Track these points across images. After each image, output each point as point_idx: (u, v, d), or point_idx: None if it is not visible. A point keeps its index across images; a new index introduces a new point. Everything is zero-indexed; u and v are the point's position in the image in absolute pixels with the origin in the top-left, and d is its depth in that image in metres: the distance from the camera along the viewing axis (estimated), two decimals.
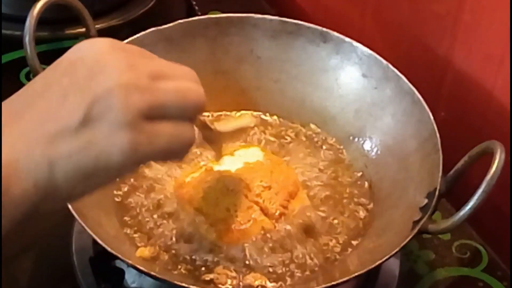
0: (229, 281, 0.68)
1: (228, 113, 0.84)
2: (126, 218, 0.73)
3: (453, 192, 0.71)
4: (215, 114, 0.84)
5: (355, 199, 0.77)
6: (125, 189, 0.75)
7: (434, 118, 0.74)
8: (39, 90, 0.48)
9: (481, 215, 0.67)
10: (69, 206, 0.64)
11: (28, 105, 0.47)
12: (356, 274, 0.64)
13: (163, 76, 0.50)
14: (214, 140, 0.68)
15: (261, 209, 0.73)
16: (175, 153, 0.50)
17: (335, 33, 0.82)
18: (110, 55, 0.48)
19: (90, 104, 0.46)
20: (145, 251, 0.70)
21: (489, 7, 0.78)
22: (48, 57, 0.87)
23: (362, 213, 0.76)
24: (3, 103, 0.48)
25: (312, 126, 0.84)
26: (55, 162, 0.46)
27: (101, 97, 0.46)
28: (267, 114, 0.85)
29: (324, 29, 0.82)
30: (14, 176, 0.45)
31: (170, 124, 0.49)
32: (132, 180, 0.76)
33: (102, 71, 0.47)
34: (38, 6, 0.74)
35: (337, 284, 0.63)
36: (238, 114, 0.84)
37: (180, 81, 0.51)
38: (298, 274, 0.70)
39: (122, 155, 0.47)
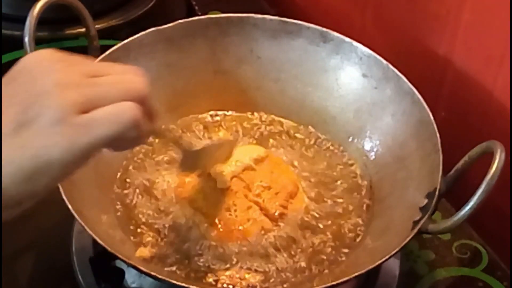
0: (229, 281, 0.68)
1: (228, 113, 0.84)
2: (126, 218, 0.73)
3: (453, 192, 0.71)
4: (216, 113, 0.84)
5: (355, 199, 0.77)
6: (125, 189, 0.75)
7: (434, 118, 0.74)
8: None
9: (481, 215, 0.67)
10: (69, 206, 0.64)
11: None
12: (356, 274, 0.64)
13: (101, 74, 0.51)
14: (192, 161, 0.69)
15: (261, 209, 0.73)
16: (119, 135, 0.49)
17: (335, 33, 0.82)
18: (48, 61, 0.50)
19: (26, 106, 0.47)
20: (145, 251, 0.70)
21: (489, 7, 0.78)
22: None
23: (362, 213, 0.76)
24: None
25: (312, 126, 0.84)
26: None
27: (36, 99, 0.47)
28: (267, 114, 0.85)
29: (324, 29, 0.82)
30: None
31: (107, 108, 0.49)
32: (132, 180, 0.76)
33: (38, 75, 0.49)
34: (38, 6, 0.74)
35: (337, 284, 0.63)
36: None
37: (119, 75, 0.51)
38: (299, 274, 0.70)
39: (60, 151, 0.47)
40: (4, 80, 0.50)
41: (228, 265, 0.69)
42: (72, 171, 0.49)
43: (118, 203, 0.74)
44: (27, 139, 0.47)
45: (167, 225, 0.72)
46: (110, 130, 0.49)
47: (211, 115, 0.84)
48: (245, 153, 0.76)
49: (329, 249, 0.72)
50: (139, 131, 0.51)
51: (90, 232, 0.64)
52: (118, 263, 0.72)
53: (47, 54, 0.50)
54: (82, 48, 0.84)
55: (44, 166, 0.47)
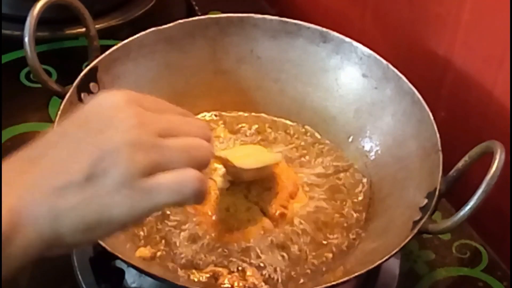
0: (229, 281, 0.68)
1: (228, 113, 0.84)
2: None
3: (453, 192, 0.71)
4: (216, 113, 0.84)
5: (355, 199, 0.77)
6: None
7: (434, 118, 0.74)
8: (54, 140, 0.49)
9: (481, 215, 0.67)
10: None
11: (42, 155, 0.49)
12: (356, 274, 0.64)
13: (172, 133, 0.51)
14: (238, 176, 0.70)
15: (261, 209, 0.73)
16: (181, 201, 0.50)
17: (335, 33, 0.82)
18: (123, 110, 0.49)
19: (96, 159, 0.48)
20: (145, 251, 0.70)
21: (489, 7, 0.78)
22: (48, 57, 0.87)
23: (362, 213, 0.76)
24: (23, 151, 0.49)
25: (312, 126, 0.84)
26: (60, 214, 0.47)
27: (107, 154, 0.48)
28: (267, 114, 0.85)
29: (324, 29, 0.82)
30: (20, 226, 0.46)
31: (171, 175, 0.49)
32: None
33: (112, 127, 0.49)
34: (38, 6, 0.74)
35: (337, 284, 0.63)
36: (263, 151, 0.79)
37: (189, 138, 0.52)
38: (298, 274, 0.70)
39: (121, 212, 0.48)
40: (75, 119, 0.50)
41: (228, 265, 0.69)
42: (129, 227, 0.50)
43: None
44: (93, 194, 0.47)
45: (167, 226, 0.72)
46: (171, 199, 0.49)
47: (211, 115, 0.84)
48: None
49: (329, 249, 0.72)
50: (199, 198, 0.51)
51: None
52: (118, 263, 0.72)
53: (122, 101, 0.50)
54: (82, 48, 0.84)
55: (103, 222, 0.48)
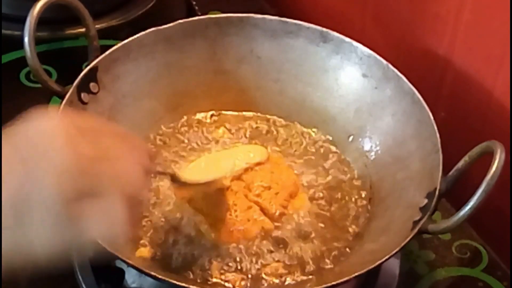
0: (228, 281, 0.68)
1: (228, 113, 0.84)
2: None
3: (453, 192, 0.71)
4: (216, 113, 0.84)
5: (355, 199, 0.77)
6: None
7: (434, 118, 0.74)
8: None
9: (481, 215, 0.67)
10: None
11: None
12: (356, 274, 0.64)
13: (104, 159, 0.50)
14: (185, 186, 0.68)
15: (261, 209, 0.73)
16: (109, 236, 0.50)
17: (335, 33, 0.82)
18: (56, 137, 0.48)
19: (22, 185, 0.47)
20: (145, 251, 0.70)
21: (489, 7, 0.78)
22: (48, 57, 0.87)
23: (362, 213, 0.76)
24: None
25: (312, 126, 0.84)
26: None
27: (35, 183, 0.47)
28: (267, 114, 0.85)
29: (324, 29, 0.82)
30: None
31: (99, 213, 0.49)
32: None
33: (43, 156, 0.47)
34: (38, 6, 0.74)
35: (337, 284, 0.63)
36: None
37: (121, 164, 0.51)
38: (298, 274, 0.70)
39: (48, 249, 0.48)
40: (10, 146, 0.48)
41: (227, 265, 0.69)
42: (55, 267, 0.49)
43: None
44: (23, 233, 0.47)
45: (167, 225, 0.72)
46: (99, 236, 0.49)
47: (211, 115, 0.84)
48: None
49: (329, 249, 0.72)
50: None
51: None
52: (118, 263, 0.72)
53: (57, 127, 0.49)
54: (82, 48, 0.84)
55: (28, 255, 0.48)
